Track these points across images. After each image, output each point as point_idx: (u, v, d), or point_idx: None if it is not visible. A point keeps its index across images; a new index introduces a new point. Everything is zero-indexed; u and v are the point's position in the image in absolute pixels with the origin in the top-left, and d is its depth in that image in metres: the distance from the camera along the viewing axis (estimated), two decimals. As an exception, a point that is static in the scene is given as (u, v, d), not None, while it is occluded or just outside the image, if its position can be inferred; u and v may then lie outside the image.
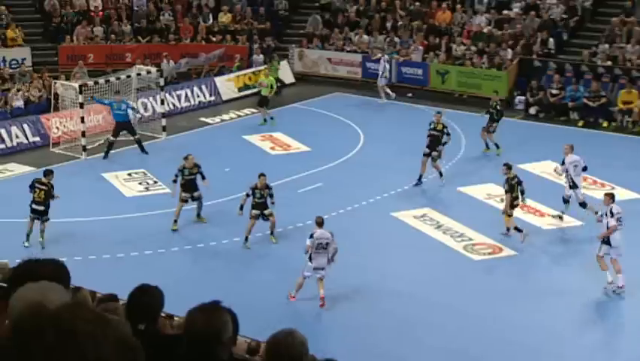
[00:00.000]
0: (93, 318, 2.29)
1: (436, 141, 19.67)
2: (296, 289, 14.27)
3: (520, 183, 17.00)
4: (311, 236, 14.05)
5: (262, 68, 29.58)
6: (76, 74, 26.99)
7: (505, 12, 30.01)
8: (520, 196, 16.97)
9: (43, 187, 16.66)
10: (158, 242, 16.67)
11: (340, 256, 14.01)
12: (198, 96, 27.66)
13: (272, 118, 25.33)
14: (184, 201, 17.47)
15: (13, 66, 28.40)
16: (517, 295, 14.73)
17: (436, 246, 16.76)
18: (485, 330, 13.50)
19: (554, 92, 26.30)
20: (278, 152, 22.87)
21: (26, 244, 16.46)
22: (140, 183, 20.38)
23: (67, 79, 25.40)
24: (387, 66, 28.04)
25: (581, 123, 25.33)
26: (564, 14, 28.92)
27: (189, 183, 17.46)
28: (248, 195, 16.53)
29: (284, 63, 30.50)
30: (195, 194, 17.56)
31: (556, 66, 27.07)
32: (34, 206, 16.60)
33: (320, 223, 14.21)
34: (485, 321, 13.76)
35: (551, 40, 28.05)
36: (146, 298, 4.15)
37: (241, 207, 16.43)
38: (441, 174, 19.76)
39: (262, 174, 16.59)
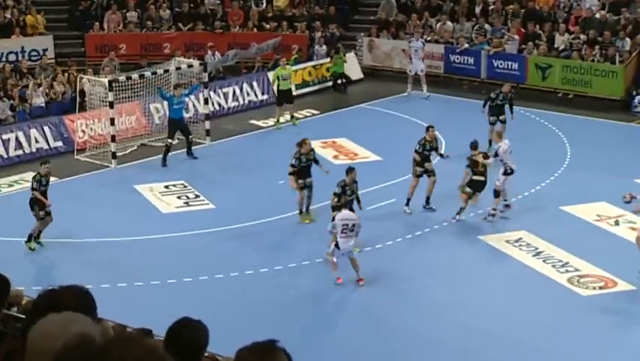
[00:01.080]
0: (144, 354, 2.41)
1: (428, 160, 19.51)
2: (334, 271, 15.89)
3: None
4: (333, 219, 15.85)
5: (324, 61, 29.79)
6: (106, 67, 27.47)
7: (621, -7, 29.60)
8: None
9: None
10: (199, 267, 16.81)
11: (416, 288, 13.91)
12: (248, 95, 27.92)
13: (278, 121, 25.85)
14: (302, 188, 18.53)
15: (33, 58, 29.01)
16: (636, 339, 14.41)
17: (534, 277, 16.53)
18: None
19: (683, 91, 25.82)
20: (342, 161, 22.83)
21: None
22: (178, 198, 20.63)
23: (96, 73, 25.88)
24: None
25: None
26: (695, -4, 28.40)
27: (305, 169, 18.55)
28: (337, 195, 16.97)
29: (350, 55, 30.59)
30: (308, 180, 18.56)
31: (686, 59, 26.63)
32: None
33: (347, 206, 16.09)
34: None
35: (679, 27, 27.58)
36: (188, 333, 4.18)
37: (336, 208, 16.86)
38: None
39: (352, 168, 17.34)
